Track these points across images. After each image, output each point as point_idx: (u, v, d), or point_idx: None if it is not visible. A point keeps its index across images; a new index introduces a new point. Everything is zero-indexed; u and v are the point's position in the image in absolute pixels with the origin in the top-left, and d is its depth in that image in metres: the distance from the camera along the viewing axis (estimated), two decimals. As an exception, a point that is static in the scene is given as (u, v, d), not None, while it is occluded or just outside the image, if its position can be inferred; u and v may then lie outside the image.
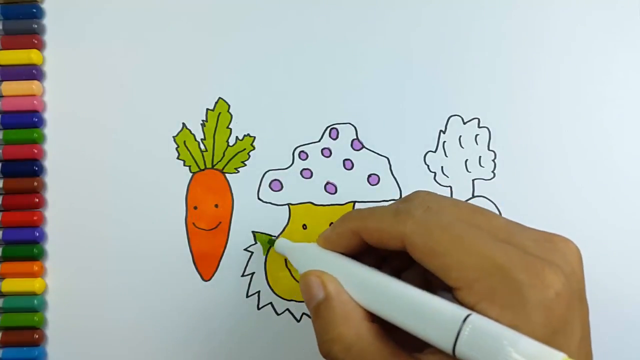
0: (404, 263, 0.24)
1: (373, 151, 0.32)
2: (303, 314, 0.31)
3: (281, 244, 0.28)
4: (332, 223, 0.31)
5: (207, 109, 0.32)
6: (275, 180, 0.31)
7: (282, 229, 0.31)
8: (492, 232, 0.21)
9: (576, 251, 0.21)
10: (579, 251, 0.21)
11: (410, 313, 0.20)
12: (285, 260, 0.31)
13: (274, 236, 0.31)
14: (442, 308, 0.19)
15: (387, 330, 0.22)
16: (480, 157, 0.31)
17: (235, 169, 0.32)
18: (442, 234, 0.20)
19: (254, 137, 0.32)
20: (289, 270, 0.31)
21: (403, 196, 0.24)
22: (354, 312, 0.22)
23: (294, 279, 0.31)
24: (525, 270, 0.19)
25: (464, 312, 0.19)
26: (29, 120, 0.32)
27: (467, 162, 0.31)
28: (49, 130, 0.32)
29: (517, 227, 0.21)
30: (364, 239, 0.23)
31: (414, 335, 0.20)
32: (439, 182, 0.31)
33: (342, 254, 0.24)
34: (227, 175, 0.32)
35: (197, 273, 0.31)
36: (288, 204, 0.31)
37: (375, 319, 0.22)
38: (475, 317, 0.18)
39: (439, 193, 0.24)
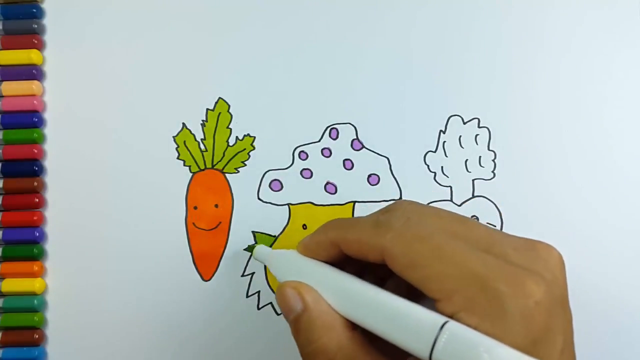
0: (386, 272, 0.23)
1: (373, 151, 0.32)
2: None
3: (260, 251, 0.28)
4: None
5: (207, 109, 0.32)
6: (275, 180, 0.31)
7: (282, 229, 0.31)
8: (472, 241, 0.20)
9: (558, 258, 0.21)
10: (562, 258, 0.21)
11: (388, 321, 0.20)
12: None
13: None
14: (419, 316, 0.19)
15: (369, 338, 0.22)
16: (480, 157, 0.31)
17: (235, 169, 0.32)
18: (421, 246, 0.20)
19: (254, 137, 0.32)
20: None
21: (385, 206, 0.24)
22: (334, 322, 0.22)
23: (294, 279, 0.31)
24: (504, 279, 0.19)
25: (442, 319, 0.19)
26: (29, 120, 0.32)
27: (467, 162, 0.31)
28: (49, 130, 0.32)
29: (499, 236, 0.21)
30: (343, 250, 0.23)
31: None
32: (439, 182, 0.31)
33: (323, 261, 0.24)
34: (227, 175, 0.32)
35: (197, 273, 0.31)
36: (288, 204, 0.31)
37: (356, 328, 0.22)
38: (452, 325, 0.18)
39: (420, 202, 0.24)
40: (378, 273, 0.24)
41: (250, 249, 0.30)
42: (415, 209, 0.22)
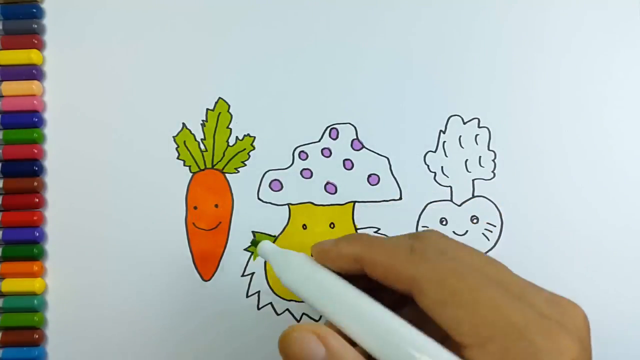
0: (402, 299, 0.21)
1: (373, 151, 0.32)
2: (303, 314, 0.31)
3: (265, 248, 0.25)
4: (332, 223, 0.31)
5: (207, 109, 0.32)
6: (275, 180, 0.31)
7: (282, 229, 0.31)
8: (506, 287, 0.19)
9: (584, 318, 0.20)
10: (587, 318, 0.20)
11: None
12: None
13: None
14: None
15: None
16: (480, 157, 0.31)
17: (235, 169, 0.32)
18: (457, 283, 0.18)
19: (254, 137, 0.32)
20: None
21: (413, 232, 0.22)
22: None
23: (294, 279, 0.31)
24: (541, 332, 0.17)
25: None
26: (29, 120, 0.32)
27: (467, 162, 0.31)
28: (49, 130, 0.32)
29: (530, 285, 0.20)
30: (365, 269, 0.21)
31: None
32: (439, 182, 0.31)
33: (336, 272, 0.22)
34: (227, 175, 0.32)
35: (197, 273, 0.31)
36: (288, 204, 0.31)
37: None
38: None
39: (448, 236, 0.22)
40: (392, 296, 0.21)
41: (254, 243, 0.26)
42: (448, 243, 0.21)
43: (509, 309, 0.18)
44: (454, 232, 0.31)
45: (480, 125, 0.32)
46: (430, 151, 0.31)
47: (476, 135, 0.32)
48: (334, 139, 0.32)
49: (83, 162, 0.32)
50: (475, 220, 0.31)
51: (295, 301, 0.31)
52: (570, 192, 0.31)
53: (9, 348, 0.31)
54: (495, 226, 0.31)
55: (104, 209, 0.32)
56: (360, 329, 0.19)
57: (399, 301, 0.21)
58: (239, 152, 0.32)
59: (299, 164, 0.32)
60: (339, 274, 0.22)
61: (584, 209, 0.31)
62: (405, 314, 0.20)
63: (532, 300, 0.19)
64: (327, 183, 0.31)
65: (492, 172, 0.31)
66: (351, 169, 0.31)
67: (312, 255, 0.23)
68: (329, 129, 0.32)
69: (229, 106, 0.32)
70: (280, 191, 0.31)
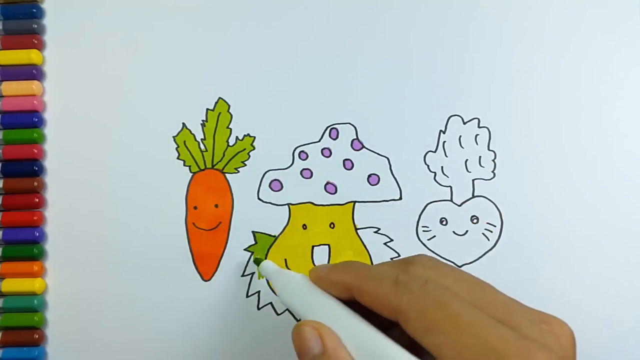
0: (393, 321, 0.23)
1: (373, 151, 0.32)
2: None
3: (267, 267, 0.28)
4: (332, 223, 0.31)
5: (207, 109, 0.32)
6: (275, 180, 0.31)
7: (282, 229, 0.31)
8: (490, 310, 0.20)
9: (570, 335, 0.21)
10: (574, 335, 0.21)
11: None
12: (285, 260, 0.31)
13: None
14: None
15: None
16: (480, 157, 0.31)
17: (235, 169, 0.32)
18: (438, 312, 0.20)
19: (254, 137, 0.32)
20: (289, 270, 0.31)
21: (404, 258, 0.24)
22: None
23: (294, 279, 0.31)
24: (520, 355, 0.18)
25: None
26: (29, 120, 0.32)
27: (467, 162, 0.31)
28: (49, 130, 0.32)
29: (515, 305, 0.21)
30: (355, 297, 0.23)
31: None
32: (439, 182, 0.31)
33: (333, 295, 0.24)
34: (227, 175, 0.32)
35: (197, 273, 0.31)
36: (288, 204, 0.31)
37: None
38: None
39: (439, 260, 0.23)
40: (384, 319, 0.23)
41: (256, 262, 0.29)
42: (435, 268, 0.22)
43: (488, 334, 0.19)
44: (454, 232, 0.31)
45: (480, 125, 0.32)
46: (430, 151, 0.31)
47: (476, 135, 0.32)
48: (334, 139, 0.32)
49: (83, 162, 0.32)
50: (475, 220, 0.31)
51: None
52: (570, 192, 0.31)
53: (9, 348, 0.31)
54: (495, 226, 0.31)
55: (104, 209, 0.32)
56: (350, 346, 0.21)
57: (391, 321, 0.22)
58: (239, 152, 0.32)
59: (299, 164, 0.32)
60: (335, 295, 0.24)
61: (584, 209, 0.31)
62: (396, 333, 0.21)
63: (515, 321, 0.20)
64: (327, 183, 0.31)
65: (492, 172, 0.31)
66: (351, 169, 0.31)
67: (309, 276, 0.25)
68: (329, 129, 0.32)
69: (229, 106, 0.32)
70: (280, 191, 0.31)
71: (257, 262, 0.29)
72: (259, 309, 0.31)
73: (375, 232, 0.31)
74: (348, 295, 0.23)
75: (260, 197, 0.31)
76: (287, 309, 0.31)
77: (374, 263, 0.31)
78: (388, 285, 0.21)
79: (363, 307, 0.23)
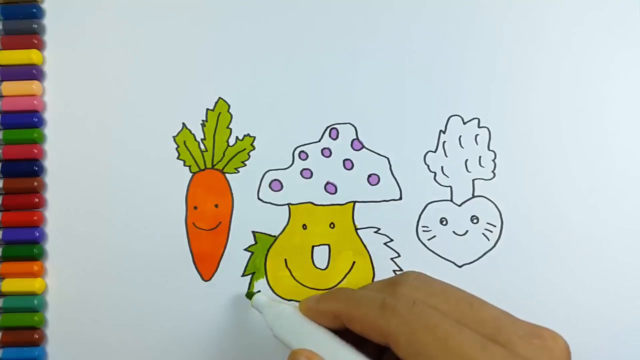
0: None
1: (373, 151, 0.32)
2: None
3: (258, 301, 0.28)
4: (332, 223, 0.31)
5: (207, 109, 0.32)
6: (275, 180, 0.31)
7: (282, 229, 0.31)
8: (479, 327, 0.20)
9: (564, 349, 0.20)
10: (568, 348, 0.21)
11: None
12: (285, 260, 0.31)
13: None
14: None
15: None
16: (480, 157, 0.31)
17: (235, 169, 0.32)
18: (427, 336, 0.20)
19: (254, 137, 0.32)
20: (289, 270, 0.31)
21: (391, 278, 0.24)
22: None
23: (294, 278, 0.31)
24: None
25: None
26: (29, 120, 0.32)
27: (467, 162, 0.31)
28: (49, 130, 0.32)
29: (506, 320, 0.21)
30: (346, 324, 0.23)
31: None
32: (439, 182, 0.31)
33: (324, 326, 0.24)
34: (227, 175, 0.32)
35: (197, 273, 0.31)
36: (288, 204, 0.31)
37: None
38: None
39: (427, 275, 0.24)
40: (375, 345, 0.24)
41: (248, 295, 0.29)
42: (423, 287, 0.22)
43: (477, 354, 0.19)
44: (454, 232, 0.31)
45: (480, 125, 0.32)
46: (430, 151, 0.31)
47: (476, 135, 0.32)
48: (334, 139, 0.32)
49: (83, 162, 0.32)
50: (475, 220, 0.31)
51: (295, 301, 0.31)
52: (570, 192, 0.31)
53: (9, 348, 0.31)
54: (495, 226, 0.31)
55: (104, 209, 0.32)
56: None
57: (382, 349, 0.23)
58: (239, 152, 0.32)
59: (299, 164, 0.32)
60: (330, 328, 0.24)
61: (584, 209, 0.31)
62: (391, 356, 0.21)
63: (505, 338, 0.20)
64: (327, 183, 0.31)
65: (492, 172, 0.31)
66: (351, 169, 0.31)
67: (299, 308, 0.26)
68: (329, 129, 0.32)
69: (229, 106, 0.32)
70: (280, 191, 0.31)
71: (250, 295, 0.29)
72: (259, 309, 0.31)
73: (375, 232, 0.31)
74: (339, 324, 0.23)
75: (260, 197, 0.31)
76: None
77: (374, 263, 0.31)
78: (375, 309, 0.22)
79: (355, 337, 0.23)
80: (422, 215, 0.31)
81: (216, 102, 0.32)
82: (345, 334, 0.23)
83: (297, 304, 0.27)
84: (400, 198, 0.31)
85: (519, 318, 0.21)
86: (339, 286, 0.31)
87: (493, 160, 0.31)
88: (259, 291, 0.30)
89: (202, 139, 0.32)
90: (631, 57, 0.32)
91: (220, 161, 0.32)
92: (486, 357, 0.19)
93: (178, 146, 0.32)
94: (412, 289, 0.22)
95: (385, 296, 0.22)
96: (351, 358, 0.22)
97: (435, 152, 0.31)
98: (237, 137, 0.32)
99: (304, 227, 0.31)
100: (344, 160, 0.31)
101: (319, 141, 0.32)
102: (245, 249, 0.31)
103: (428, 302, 0.21)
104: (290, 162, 0.32)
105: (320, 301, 0.24)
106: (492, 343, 0.19)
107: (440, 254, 0.31)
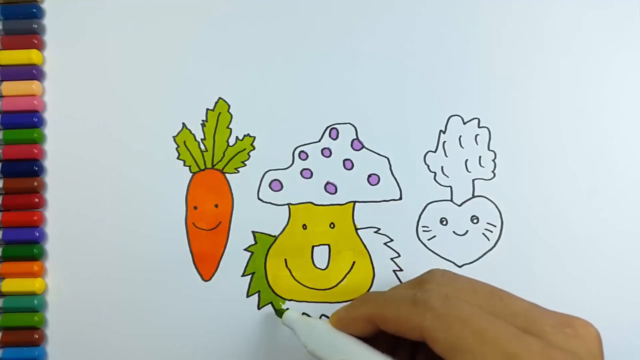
0: (419, 343, 0.23)
1: (373, 151, 0.32)
2: (303, 313, 0.31)
3: (290, 318, 0.28)
4: (332, 223, 0.31)
5: (207, 109, 0.32)
6: (275, 180, 0.31)
7: (282, 229, 0.31)
8: (511, 319, 0.20)
9: (596, 336, 0.21)
10: (599, 336, 0.21)
11: None
12: (285, 260, 0.31)
13: (274, 305, 0.31)
14: None
15: None
16: (480, 157, 0.31)
17: (235, 169, 0.32)
18: (463, 329, 0.20)
19: (254, 137, 0.32)
20: (289, 270, 0.31)
21: (417, 277, 0.24)
22: None
23: (294, 278, 0.31)
24: None
25: None
26: (29, 120, 0.32)
27: (467, 162, 0.31)
28: (49, 130, 0.32)
29: (536, 312, 0.21)
30: (380, 326, 0.23)
31: None
32: (439, 182, 0.31)
33: (356, 336, 0.24)
34: (227, 175, 0.32)
35: (197, 273, 0.31)
36: (288, 204, 0.31)
37: None
38: None
39: (453, 272, 0.24)
40: (409, 346, 0.24)
41: (278, 314, 0.29)
42: (451, 282, 0.22)
43: (514, 346, 0.19)
44: (454, 232, 0.31)
45: (480, 125, 0.32)
46: (430, 151, 0.31)
47: (476, 135, 0.32)
48: (334, 139, 0.32)
49: (83, 162, 0.32)
50: (475, 220, 0.31)
51: (295, 301, 0.31)
52: (570, 192, 0.31)
53: (9, 348, 0.31)
54: (495, 226, 0.31)
55: (104, 209, 0.32)
56: None
57: (417, 343, 0.22)
58: (239, 152, 0.32)
59: (299, 164, 0.32)
60: (360, 338, 0.24)
61: (584, 209, 0.31)
62: (425, 353, 0.21)
63: (539, 328, 0.20)
64: (327, 183, 0.31)
65: (492, 172, 0.31)
66: (351, 169, 0.31)
67: (329, 321, 0.25)
68: (329, 129, 0.32)
69: (229, 106, 0.32)
70: (280, 191, 0.31)
71: (280, 313, 0.29)
72: (259, 309, 0.31)
73: (375, 232, 0.31)
74: (371, 329, 0.23)
75: (260, 197, 0.31)
76: (287, 309, 0.31)
77: (374, 263, 0.31)
78: (408, 306, 0.21)
79: (386, 345, 0.23)
80: (422, 215, 0.31)
81: (216, 102, 0.32)
82: (376, 344, 0.23)
83: (325, 319, 0.27)
84: (400, 198, 0.31)
85: (547, 309, 0.21)
86: (339, 286, 0.31)
87: (493, 160, 0.31)
88: (288, 308, 0.30)
89: (202, 139, 0.32)
90: (631, 57, 0.32)
91: (220, 161, 0.32)
92: (523, 348, 0.19)
93: (178, 146, 0.32)
94: (441, 285, 0.22)
95: (416, 292, 0.22)
96: None
97: (435, 152, 0.31)
98: (237, 137, 0.32)
99: (304, 227, 0.31)
100: (344, 160, 0.32)
101: (319, 141, 0.32)
102: (245, 249, 0.31)
103: (459, 296, 0.21)
104: (290, 162, 0.32)
105: (350, 309, 0.24)
106: (527, 334, 0.19)
107: (440, 254, 0.31)
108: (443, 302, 0.21)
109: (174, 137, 0.32)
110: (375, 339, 0.24)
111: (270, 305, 0.31)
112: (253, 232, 0.31)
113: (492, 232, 0.31)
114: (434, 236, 0.31)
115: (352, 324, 0.24)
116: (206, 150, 0.32)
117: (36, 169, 0.31)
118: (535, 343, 0.19)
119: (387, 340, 0.24)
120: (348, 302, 0.26)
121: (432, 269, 0.24)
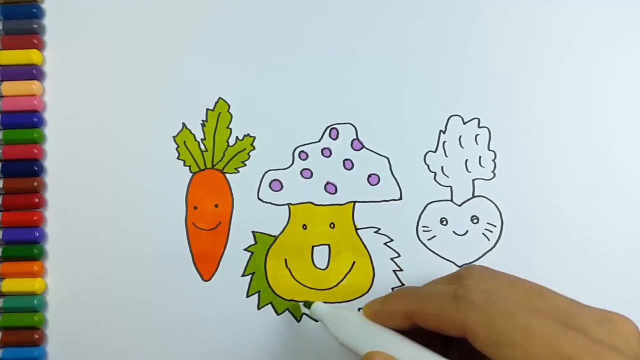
0: (452, 339, 0.23)
1: (373, 151, 0.32)
2: (303, 314, 0.31)
3: (319, 310, 0.28)
4: (332, 223, 0.31)
5: (207, 109, 0.32)
6: (275, 180, 0.31)
7: (282, 229, 0.31)
8: (554, 315, 0.20)
9: (636, 331, 0.21)
10: (639, 331, 0.21)
11: None
12: (285, 260, 0.31)
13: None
14: None
15: None
16: (480, 157, 0.31)
17: (235, 169, 0.32)
18: (507, 324, 0.20)
19: (254, 137, 0.32)
20: (289, 270, 0.31)
21: (453, 273, 0.24)
22: None
23: (294, 278, 0.31)
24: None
25: None
26: (29, 120, 0.32)
27: (467, 162, 0.31)
28: (49, 130, 0.32)
29: (577, 307, 0.21)
30: (417, 322, 0.22)
31: None
32: (439, 182, 0.31)
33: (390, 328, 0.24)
34: (227, 175, 0.32)
35: (197, 273, 0.31)
36: (288, 204, 0.31)
37: None
38: None
39: (490, 268, 0.23)
40: (443, 339, 0.23)
41: (307, 305, 0.29)
42: (491, 278, 0.22)
43: (559, 341, 0.19)
44: (454, 232, 0.31)
45: (480, 125, 0.32)
46: (430, 151, 0.31)
47: (476, 135, 0.32)
48: (334, 139, 0.32)
49: (83, 162, 0.32)
50: (475, 220, 0.31)
51: (295, 301, 0.31)
52: (570, 192, 0.31)
53: (9, 348, 0.31)
54: (495, 226, 0.31)
55: (104, 209, 0.32)
56: None
57: (449, 338, 0.22)
58: (239, 152, 0.32)
59: (299, 164, 0.32)
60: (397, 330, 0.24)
61: (584, 209, 0.31)
62: (458, 348, 0.21)
63: (581, 323, 0.20)
64: (327, 183, 0.31)
65: (492, 172, 0.31)
66: (351, 169, 0.31)
67: (363, 313, 0.25)
68: (329, 129, 0.32)
69: (229, 106, 0.32)
70: (280, 191, 0.31)
71: (308, 305, 0.29)
72: (259, 309, 0.31)
73: (376, 232, 0.31)
74: (407, 324, 0.23)
75: (260, 197, 0.31)
76: (287, 309, 0.31)
77: (374, 263, 0.31)
78: (448, 301, 0.21)
79: (420, 337, 0.23)
80: (422, 215, 0.31)
81: (216, 102, 0.32)
82: (411, 336, 0.23)
83: (355, 309, 0.27)
84: (400, 198, 0.31)
85: (586, 304, 0.21)
86: (339, 286, 0.31)
87: (493, 160, 0.31)
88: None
89: (202, 139, 0.32)
90: (631, 57, 0.32)
91: (220, 161, 0.32)
92: (569, 343, 0.19)
93: (178, 146, 0.32)
94: (480, 281, 0.22)
95: (456, 288, 0.22)
96: (428, 357, 0.22)
97: (435, 152, 0.31)
98: (237, 137, 0.32)
99: (304, 227, 0.31)
100: (344, 160, 0.32)
101: (319, 141, 0.32)
102: (245, 249, 0.31)
103: (501, 293, 0.21)
104: (290, 162, 0.32)
105: (386, 303, 0.24)
106: (571, 329, 0.20)
107: (441, 254, 0.31)
108: (485, 298, 0.21)
109: (174, 137, 0.32)
110: (407, 332, 0.23)
111: (270, 305, 0.31)
112: (253, 232, 0.31)
113: (492, 232, 0.31)
114: (434, 236, 0.31)
115: (388, 318, 0.24)
116: (206, 150, 0.32)
117: (36, 169, 0.31)
118: (579, 337, 0.19)
119: (421, 335, 0.23)
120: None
121: (469, 265, 0.24)
